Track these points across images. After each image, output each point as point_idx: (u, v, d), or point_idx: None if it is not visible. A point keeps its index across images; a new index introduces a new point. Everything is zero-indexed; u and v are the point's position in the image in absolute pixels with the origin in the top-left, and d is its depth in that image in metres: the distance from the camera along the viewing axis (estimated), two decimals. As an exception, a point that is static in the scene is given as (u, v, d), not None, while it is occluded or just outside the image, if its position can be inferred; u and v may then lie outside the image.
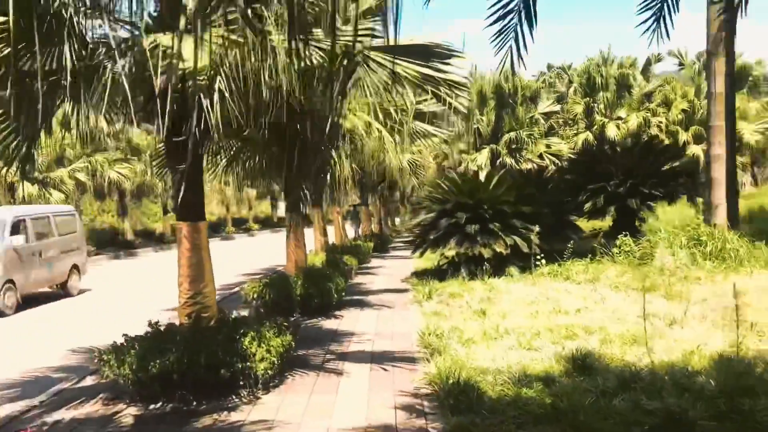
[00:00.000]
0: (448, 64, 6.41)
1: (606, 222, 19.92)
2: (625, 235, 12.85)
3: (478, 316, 9.47)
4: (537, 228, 12.30)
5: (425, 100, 11.52)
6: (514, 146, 25.28)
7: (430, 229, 13.33)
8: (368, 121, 9.61)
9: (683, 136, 25.34)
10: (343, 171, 10.36)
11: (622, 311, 9.00)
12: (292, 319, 10.55)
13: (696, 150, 24.18)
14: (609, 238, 14.79)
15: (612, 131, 25.85)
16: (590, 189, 13.56)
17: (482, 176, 13.83)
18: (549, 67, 35.10)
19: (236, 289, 14.12)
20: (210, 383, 6.29)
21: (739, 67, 29.62)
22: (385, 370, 7.14)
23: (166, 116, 4.52)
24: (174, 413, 6.09)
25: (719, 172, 11.87)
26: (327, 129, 7.65)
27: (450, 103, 6.50)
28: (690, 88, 27.12)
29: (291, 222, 10.22)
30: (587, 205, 13.58)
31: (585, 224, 17.24)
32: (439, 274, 13.60)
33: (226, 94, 5.47)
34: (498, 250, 12.67)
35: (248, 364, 6.36)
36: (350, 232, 24.33)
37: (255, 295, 10.75)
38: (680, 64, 30.48)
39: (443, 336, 8.08)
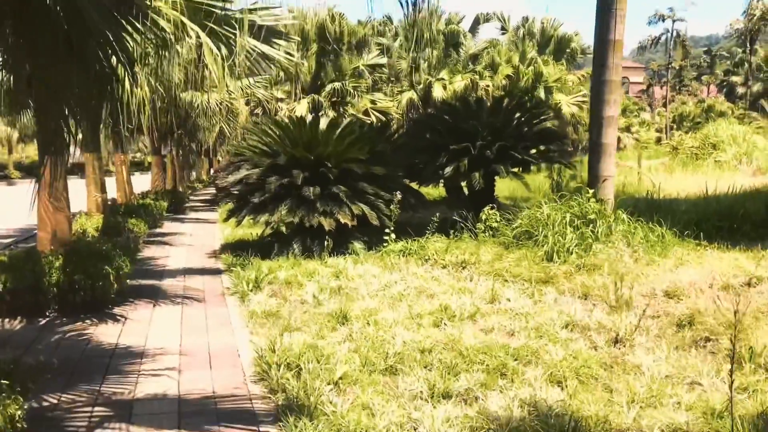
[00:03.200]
0: None
1: (439, 189, 17.91)
2: (492, 208, 10.57)
3: (337, 322, 6.51)
4: (399, 195, 9.56)
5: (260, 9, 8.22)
6: (335, 99, 22.39)
7: (255, 190, 9.99)
8: (180, 19, 6.03)
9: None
10: (140, 92, 6.58)
11: (534, 317, 6.57)
12: (42, 322, 6.78)
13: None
14: (451, 210, 12.57)
15: (439, 92, 23.96)
16: (453, 150, 11.03)
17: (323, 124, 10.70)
18: (368, 20, 32.35)
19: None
20: None
21: (559, 38, 29.53)
22: (210, 449, 3.92)
23: None
24: None
25: (611, 137, 9.94)
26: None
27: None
28: (515, 54, 26.11)
29: (44, 169, 6.36)
30: (448, 169, 11.06)
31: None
32: (261, 248, 10.34)
33: None
34: (343, 221, 9.75)
35: None
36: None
37: (-21, 284, 6.80)
38: (503, 28, 29.57)
39: (299, 367, 5.01)
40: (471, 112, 11.84)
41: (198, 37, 6.35)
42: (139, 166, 52.35)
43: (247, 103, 20.44)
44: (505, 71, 25.57)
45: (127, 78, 5.42)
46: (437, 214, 10.48)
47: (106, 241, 8.38)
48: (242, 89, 16.47)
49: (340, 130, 10.53)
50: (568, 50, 28.97)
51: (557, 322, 6.36)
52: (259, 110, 21.60)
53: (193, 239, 13.81)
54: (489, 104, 12.09)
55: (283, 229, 10.55)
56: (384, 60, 24.36)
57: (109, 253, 7.51)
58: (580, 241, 9.19)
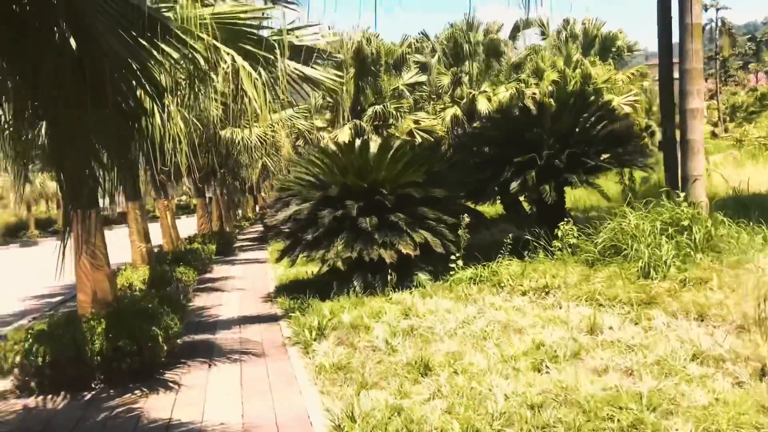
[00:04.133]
0: None
1: (496, 207, 16.96)
2: (568, 222, 9.53)
3: (419, 372, 5.59)
4: (467, 218, 8.63)
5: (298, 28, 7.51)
6: (377, 122, 21.64)
7: (307, 225, 9.21)
8: (212, 43, 5.28)
9: (557, 110, 23.01)
10: (173, 127, 5.76)
11: (651, 349, 5.53)
12: (87, 396, 6.03)
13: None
14: (517, 228, 11.60)
15: (483, 105, 23.01)
16: (517, 162, 10.06)
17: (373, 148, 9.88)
18: (404, 38, 31.56)
19: (6, 330, 9.11)
20: None
21: (603, 37, 28.34)
22: None
23: None
24: None
25: (697, 132, 8.85)
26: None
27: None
28: (559, 58, 25.05)
29: (73, 223, 5.65)
30: (514, 184, 10.09)
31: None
32: (319, 288, 9.50)
33: None
34: (405, 251, 8.85)
35: None
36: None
37: (17, 358, 6.13)
38: (543, 33, 28.58)
39: (387, 440, 4.11)
40: (532, 119, 10.87)
41: (234, 61, 5.58)
42: (185, 210, 52.67)
43: (288, 135, 19.85)
44: (550, 77, 24.51)
45: (157, 112, 4.66)
46: (510, 235, 9.49)
47: (153, 296, 7.66)
48: (282, 121, 15.88)
49: (392, 152, 9.69)
50: (613, 49, 27.75)
51: (681, 354, 5.31)
52: (300, 142, 21.00)
53: (245, 282, 13.09)
54: (552, 109, 11.04)
55: (340, 264, 9.71)
56: (423, 78, 23.55)
57: (156, 312, 6.76)
58: (677, 251, 8.10)
